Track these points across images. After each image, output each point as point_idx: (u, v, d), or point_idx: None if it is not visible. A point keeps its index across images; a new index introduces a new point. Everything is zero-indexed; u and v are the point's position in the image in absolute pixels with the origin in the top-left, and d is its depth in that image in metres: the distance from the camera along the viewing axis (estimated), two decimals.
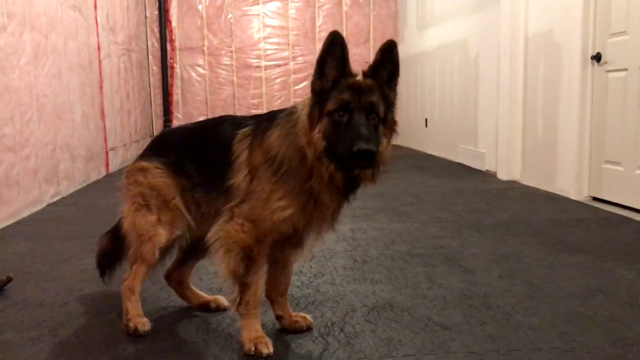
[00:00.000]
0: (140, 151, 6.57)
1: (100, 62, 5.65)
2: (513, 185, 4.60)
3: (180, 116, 8.33)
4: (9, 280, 2.26)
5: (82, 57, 5.12)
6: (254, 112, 8.22)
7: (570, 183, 3.97)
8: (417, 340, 1.71)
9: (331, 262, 2.55)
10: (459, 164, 5.97)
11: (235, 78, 8.38)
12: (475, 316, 1.89)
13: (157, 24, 8.10)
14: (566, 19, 3.99)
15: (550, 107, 4.23)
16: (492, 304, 2.00)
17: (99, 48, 5.62)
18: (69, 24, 4.79)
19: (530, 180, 4.58)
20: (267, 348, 1.61)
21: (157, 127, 8.30)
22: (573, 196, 3.94)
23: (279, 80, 8.48)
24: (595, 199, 3.85)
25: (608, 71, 3.68)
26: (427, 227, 3.17)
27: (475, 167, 5.56)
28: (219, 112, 8.33)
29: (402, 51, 8.07)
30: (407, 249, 2.73)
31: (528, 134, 4.59)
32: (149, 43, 8.13)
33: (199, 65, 8.31)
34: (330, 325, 1.84)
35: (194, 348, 1.70)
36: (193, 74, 8.31)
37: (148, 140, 7.90)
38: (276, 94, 8.49)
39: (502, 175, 4.89)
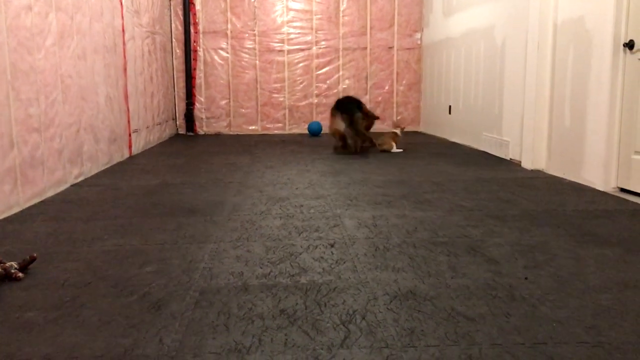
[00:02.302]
0: (161, 134, 6.65)
1: (124, 44, 5.66)
2: (538, 174, 4.52)
3: (202, 99, 8.34)
4: (33, 260, 2.28)
5: (107, 38, 5.13)
6: (276, 96, 8.21)
7: (598, 173, 3.89)
8: (440, 331, 1.68)
9: (352, 249, 2.52)
10: (483, 152, 5.89)
11: (258, 62, 8.35)
12: (499, 307, 1.85)
13: (181, 7, 8.09)
14: (598, 5, 3.88)
15: (578, 95, 4.13)
16: (517, 295, 1.96)
17: (123, 30, 5.63)
18: (94, 5, 4.79)
19: (555, 170, 4.50)
20: None
21: (180, 110, 8.34)
22: (600, 187, 3.86)
23: (301, 64, 8.43)
24: (623, 190, 3.77)
25: None
26: (450, 216, 3.13)
27: (499, 156, 5.48)
28: (241, 96, 8.34)
29: (427, 37, 8.00)
30: (430, 237, 2.70)
31: (555, 123, 4.50)
32: (173, 26, 8.13)
33: (222, 49, 8.29)
34: (352, 313, 1.82)
35: (215, 330, 1.69)
36: (216, 58, 8.29)
37: (171, 123, 7.98)
38: (298, 78, 8.45)
39: (527, 164, 4.81)
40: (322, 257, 2.41)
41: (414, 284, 2.07)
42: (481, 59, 6.03)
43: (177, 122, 8.38)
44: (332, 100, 8.35)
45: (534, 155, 4.74)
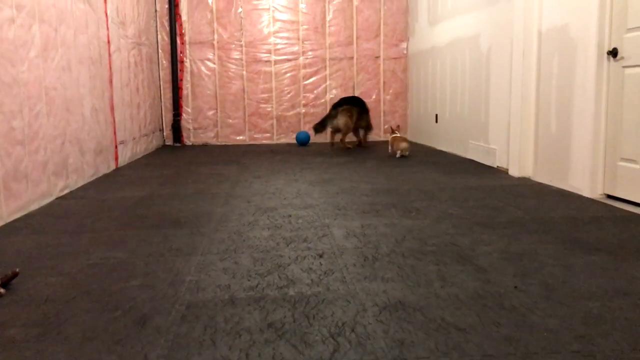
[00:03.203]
0: (148, 145, 6.61)
1: (110, 55, 5.62)
2: (525, 182, 4.53)
3: (189, 110, 8.31)
4: (15, 275, 2.24)
5: (92, 50, 5.09)
6: (263, 106, 8.20)
7: (584, 180, 3.90)
8: (431, 342, 1.66)
9: (341, 259, 2.50)
10: (470, 160, 5.91)
11: (245, 72, 8.34)
12: (489, 317, 1.84)
13: (167, 17, 8.07)
14: (582, 13, 3.91)
15: (564, 103, 4.16)
16: (506, 304, 1.95)
17: (109, 41, 5.59)
18: (79, 16, 4.76)
19: (542, 177, 4.51)
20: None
21: (167, 121, 8.29)
22: (587, 194, 3.87)
23: (288, 74, 8.43)
24: (609, 196, 3.78)
25: (625, 67, 3.60)
26: (439, 224, 3.12)
27: (486, 164, 5.50)
28: (228, 107, 8.32)
29: (413, 46, 8.03)
30: (419, 246, 2.68)
31: (541, 130, 4.52)
32: (159, 37, 8.10)
33: (209, 60, 8.27)
34: (341, 325, 1.79)
35: (202, 345, 1.66)
36: (203, 68, 8.27)
37: (158, 134, 7.93)
38: (286, 88, 8.44)
39: (514, 172, 4.83)
40: (310, 268, 2.38)
41: (403, 294, 2.05)
42: (467, 67, 6.06)
43: (164, 133, 8.33)
44: (320, 110, 8.37)
45: (520, 163, 4.75)
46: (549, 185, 4.32)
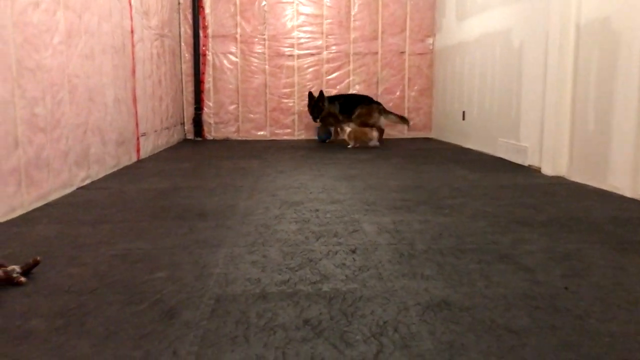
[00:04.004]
0: (169, 138, 6.55)
1: (133, 45, 5.55)
2: (559, 180, 4.36)
3: (211, 104, 8.22)
4: (36, 263, 2.14)
5: (116, 39, 5.01)
6: (285, 101, 8.09)
7: (626, 180, 3.72)
8: (482, 345, 1.53)
9: (375, 255, 2.37)
10: (499, 158, 5.74)
11: (267, 66, 8.23)
12: (543, 319, 1.70)
13: (190, 10, 7.98)
14: (625, 5, 3.73)
15: (603, 99, 3.98)
16: (559, 306, 1.81)
17: (132, 31, 5.51)
18: (103, 4, 4.68)
19: (578, 176, 4.33)
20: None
21: (188, 115, 8.22)
22: (628, 194, 3.69)
23: (311, 69, 8.31)
24: None
25: None
26: (475, 222, 2.97)
27: (517, 162, 5.33)
28: (250, 101, 8.22)
29: (440, 42, 7.86)
30: (456, 244, 2.54)
31: (577, 127, 4.34)
32: (182, 30, 8.02)
33: (232, 53, 8.18)
34: (383, 325, 1.66)
35: (234, 342, 1.54)
36: (225, 62, 8.18)
37: (179, 128, 7.86)
38: (308, 83, 8.32)
39: (547, 171, 4.65)
40: (343, 264, 2.26)
41: (446, 293, 1.92)
42: (497, 63, 5.89)
43: (185, 127, 8.25)
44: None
45: (554, 161, 4.58)
46: (586, 185, 4.14)
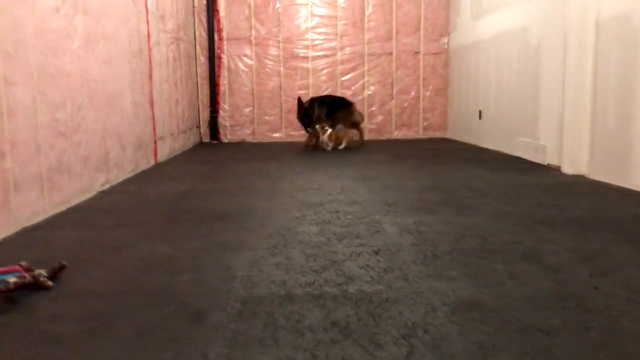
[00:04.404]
0: (186, 142, 6.60)
1: (150, 49, 5.58)
2: (580, 179, 4.31)
3: (226, 107, 8.25)
4: (62, 267, 2.16)
5: (133, 44, 5.04)
6: None
7: None
8: (515, 346, 1.51)
9: (398, 257, 2.36)
10: (517, 157, 5.69)
11: (282, 68, 8.24)
12: (574, 320, 1.67)
13: (204, 13, 8.02)
14: None
15: (625, 96, 3.93)
16: (589, 306, 1.78)
17: (149, 35, 5.55)
18: (120, 9, 4.71)
19: (599, 175, 4.28)
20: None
21: (204, 118, 8.25)
22: None
23: (325, 71, 8.30)
24: None
25: None
26: (496, 222, 2.95)
27: (535, 161, 5.28)
28: (265, 103, 8.24)
29: (454, 41, 7.83)
30: (480, 245, 2.52)
31: (598, 125, 4.29)
32: (197, 33, 8.06)
33: (246, 56, 8.20)
34: (411, 326, 1.65)
35: (263, 344, 1.54)
36: (240, 65, 8.20)
37: (195, 131, 7.88)
38: (323, 85, 8.32)
39: (567, 169, 4.60)
40: (367, 265, 2.25)
41: (473, 294, 1.90)
42: (514, 61, 5.84)
43: (201, 130, 8.29)
44: (358, 107, 8.21)
45: (574, 160, 4.53)
46: (607, 183, 4.09)
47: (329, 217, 3.12)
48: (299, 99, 7.29)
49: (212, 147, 7.60)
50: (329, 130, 6.87)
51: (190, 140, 7.62)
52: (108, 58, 4.39)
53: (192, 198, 3.79)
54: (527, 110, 5.52)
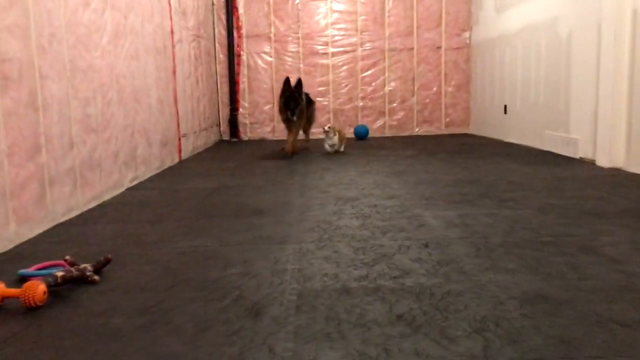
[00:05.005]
0: (207, 139, 6.59)
1: (173, 46, 5.53)
2: (617, 172, 4.21)
3: (246, 105, 8.20)
4: (108, 261, 2.10)
5: (157, 40, 5.00)
6: (320, 100, 8.02)
7: None
8: (597, 339, 1.43)
9: (450, 250, 2.28)
10: (547, 151, 5.58)
11: (301, 65, 8.18)
12: None
13: (224, 10, 7.98)
14: None
15: None
16: None
17: (172, 32, 5.50)
18: (146, 5, 4.67)
19: (636, 167, 4.17)
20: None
21: (224, 116, 8.20)
22: None
23: (345, 67, 8.23)
24: None
25: None
26: (544, 214, 2.86)
27: (567, 155, 5.17)
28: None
29: (477, 35, 7.72)
30: (532, 237, 2.43)
31: (635, 118, 4.18)
32: (216, 30, 8.02)
33: (266, 53, 8.14)
34: (481, 319, 1.57)
35: (330, 338, 1.47)
36: (259, 62, 8.15)
37: (215, 129, 7.83)
38: (343, 81, 8.24)
39: (603, 162, 4.49)
40: (419, 258, 2.17)
41: (539, 287, 1.82)
42: (542, 54, 5.73)
43: (221, 128, 8.24)
44: (378, 104, 8.14)
45: (610, 153, 4.42)
46: None
47: (368, 212, 3.05)
48: (287, 79, 5.88)
49: (232, 145, 7.55)
50: (331, 128, 5.98)
51: (211, 139, 7.58)
52: (135, 54, 4.35)
53: (224, 194, 3.74)
54: (558, 103, 5.41)
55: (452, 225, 2.68)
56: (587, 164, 4.63)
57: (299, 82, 5.86)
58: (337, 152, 6.05)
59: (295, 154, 6.00)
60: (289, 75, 8.09)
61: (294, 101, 5.71)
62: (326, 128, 5.99)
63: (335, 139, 5.95)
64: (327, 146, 6.01)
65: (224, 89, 8.16)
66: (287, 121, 5.86)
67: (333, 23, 8.15)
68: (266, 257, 2.25)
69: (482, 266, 2.05)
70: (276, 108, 7.93)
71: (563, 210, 2.95)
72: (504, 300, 1.71)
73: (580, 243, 2.32)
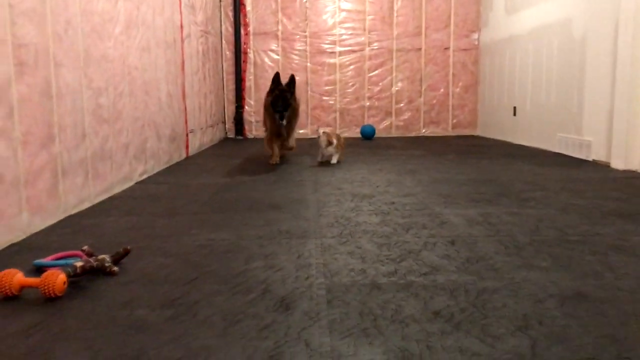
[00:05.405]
0: (213, 137, 6.45)
1: (182, 40, 5.47)
2: (634, 175, 4.15)
3: (252, 102, 8.13)
4: (127, 253, 2.04)
5: (168, 33, 4.94)
6: (326, 99, 7.96)
7: None
8: None
9: (477, 247, 2.22)
10: (558, 153, 5.53)
11: (308, 64, 8.11)
12: None
13: (231, 7, 7.91)
14: None
15: None
16: None
17: (181, 26, 5.44)
18: None
19: None
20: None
21: (229, 114, 8.14)
22: None
23: (353, 66, 8.17)
24: None
25: None
26: (567, 214, 2.80)
27: (579, 157, 5.11)
28: None
29: (486, 37, 7.66)
30: (559, 236, 2.37)
31: None
32: (223, 27, 7.95)
33: (273, 51, 8.08)
34: (523, 318, 1.51)
35: (367, 334, 1.41)
36: (266, 60, 8.09)
37: (221, 127, 7.76)
38: (350, 81, 8.18)
39: (618, 165, 4.44)
40: (447, 255, 2.11)
41: (576, 285, 1.76)
42: (554, 55, 5.68)
43: (227, 126, 8.17)
44: (385, 104, 8.08)
45: (626, 155, 4.37)
46: None
47: (386, 209, 2.99)
48: (276, 75, 4.81)
49: (238, 143, 7.48)
50: (334, 143, 4.83)
51: (217, 136, 7.51)
52: (147, 46, 4.28)
53: (236, 189, 3.67)
54: (570, 105, 5.35)
55: (475, 223, 2.61)
56: (601, 167, 4.58)
57: (292, 80, 4.77)
58: (329, 163, 4.89)
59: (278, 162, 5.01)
60: (294, 73, 8.06)
61: (284, 102, 4.64)
62: (320, 132, 4.81)
63: (331, 149, 4.82)
64: (320, 156, 4.92)
65: (230, 86, 8.09)
66: (274, 126, 4.75)
67: (341, 22, 8.09)
68: (288, 251, 2.18)
69: (513, 264, 1.99)
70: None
71: (586, 210, 2.89)
72: (542, 298, 1.65)
73: (610, 242, 2.26)
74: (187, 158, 5.53)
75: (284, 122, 4.69)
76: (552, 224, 2.58)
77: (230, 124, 8.18)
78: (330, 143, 4.80)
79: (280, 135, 4.86)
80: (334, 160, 4.89)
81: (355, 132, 8.17)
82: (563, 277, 1.84)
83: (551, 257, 2.07)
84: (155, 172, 4.43)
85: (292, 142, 5.10)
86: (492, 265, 1.97)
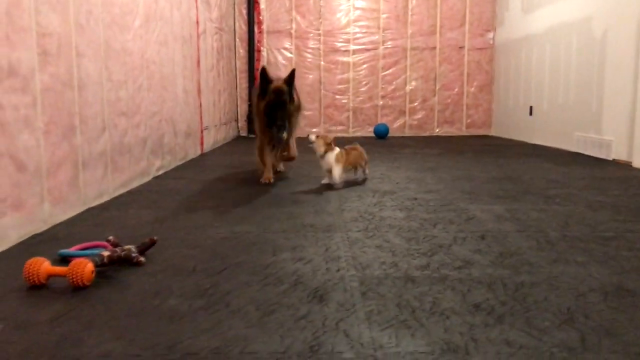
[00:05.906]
0: (226, 134, 6.34)
1: (198, 36, 5.45)
2: None
3: None
4: (153, 243, 2.00)
5: (184, 29, 4.91)
6: (339, 98, 7.92)
7: None
8: None
9: (508, 242, 2.17)
10: (577, 153, 5.46)
11: (322, 62, 8.07)
12: None
13: (245, 5, 7.89)
14: None
15: None
16: None
17: (197, 22, 5.42)
18: None
19: None
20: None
21: (242, 112, 8.11)
22: None
23: (366, 65, 8.12)
24: None
25: None
26: (595, 211, 2.74)
27: (599, 156, 5.04)
28: (304, 98, 8.04)
29: (501, 36, 7.60)
30: (591, 232, 2.32)
31: None
32: (237, 25, 7.93)
33: (286, 49, 8.05)
34: (567, 311, 1.46)
35: (408, 326, 1.36)
36: (280, 58, 8.06)
37: (233, 125, 7.73)
38: (363, 79, 8.14)
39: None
40: (479, 250, 2.06)
41: (617, 280, 1.70)
42: (573, 54, 5.61)
43: (239, 124, 8.15)
44: (398, 103, 8.03)
45: None
46: None
47: (409, 204, 2.94)
48: (263, 69, 3.59)
49: (250, 141, 7.43)
50: (336, 150, 3.48)
51: (230, 133, 7.48)
52: (164, 40, 4.26)
53: (254, 185, 3.63)
54: (589, 104, 5.28)
55: (503, 219, 2.56)
56: (622, 166, 4.51)
57: (292, 75, 3.61)
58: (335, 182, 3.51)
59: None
60: (306, 72, 8.02)
61: (282, 112, 3.52)
62: (312, 137, 3.49)
63: (330, 159, 3.45)
64: (326, 178, 3.60)
65: (243, 84, 8.07)
66: (268, 133, 3.65)
67: (355, 20, 8.05)
68: (315, 244, 2.14)
69: (548, 258, 1.94)
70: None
71: (614, 207, 2.83)
72: (584, 292, 1.60)
73: None
74: (202, 155, 5.50)
75: (284, 135, 3.60)
76: (581, 221, 2.52)
77: (242, 122, 8.15)
78: (327, 149, 3.45)
79: (279, 142, 3.72)
80: (336, 176, 3.45)
81: (369, 131, 8.12)
82: (602, 271, 1.79)
83: (586, 252, 2.01)
84: (171, 167, 4.40)
85: (293, 150, 3.98)
86: (526, 260, 1.92)
